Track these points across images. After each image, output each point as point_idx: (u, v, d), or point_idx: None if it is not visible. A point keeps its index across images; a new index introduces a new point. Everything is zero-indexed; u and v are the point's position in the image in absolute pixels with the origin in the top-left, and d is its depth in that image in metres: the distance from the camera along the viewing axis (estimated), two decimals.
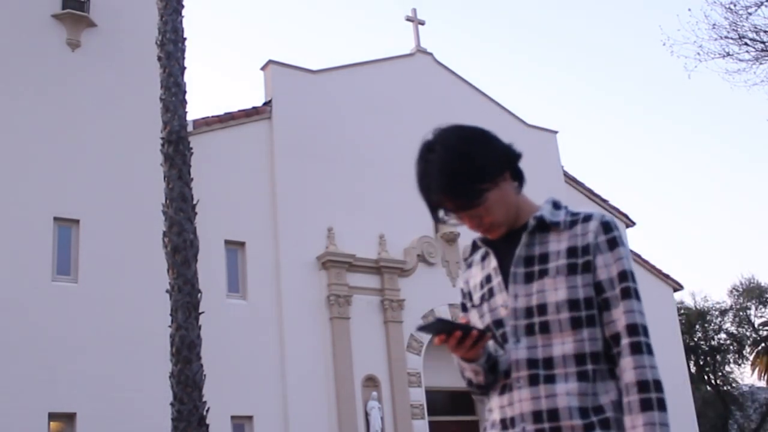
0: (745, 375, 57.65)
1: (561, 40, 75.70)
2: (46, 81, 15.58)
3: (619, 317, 2.07)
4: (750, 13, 14.10)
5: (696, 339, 34.42)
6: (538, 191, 3.95)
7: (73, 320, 14.47)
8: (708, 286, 64.92)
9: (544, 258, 2.13)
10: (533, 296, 2.11)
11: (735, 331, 35.03)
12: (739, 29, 14.17)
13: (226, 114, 17.59)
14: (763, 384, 36.10)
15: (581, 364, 2.06)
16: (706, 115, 72.35)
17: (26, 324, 14.03)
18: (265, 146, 17.90)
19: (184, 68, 11.73)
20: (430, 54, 21.59)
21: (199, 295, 10.72)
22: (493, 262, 2.24)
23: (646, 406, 1.98)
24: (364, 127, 19.40)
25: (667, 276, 24.15)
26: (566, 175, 22.97)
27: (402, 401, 17.45)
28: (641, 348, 2.04)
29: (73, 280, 14.89)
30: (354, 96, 19.58)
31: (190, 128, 13.99)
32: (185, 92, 11.62)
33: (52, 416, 14.04)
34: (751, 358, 35.35)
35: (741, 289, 34.83)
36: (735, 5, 14.08)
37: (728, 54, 14.38)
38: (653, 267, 23.93)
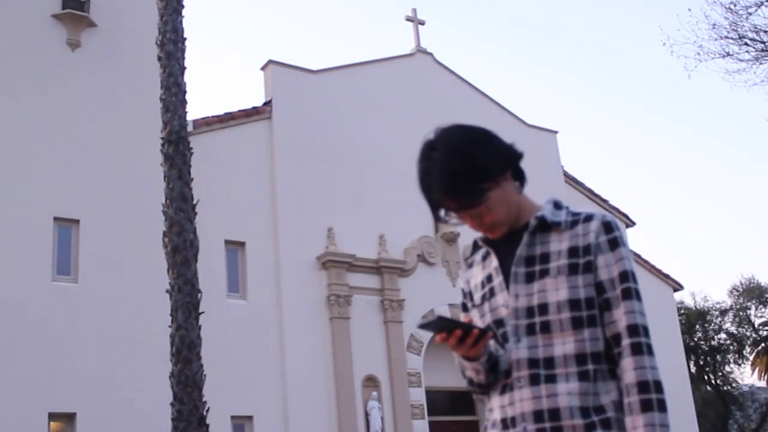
0: (745, 375, 57.72)
1: (561, 40, 75.75)
2: (46, 81, 15.57)
3: (619, 318, 2.07)
4: (750, 13, 14.11)
5: (696, 339, 34.42)
6: (538, 191, 3.96)
7: (73, 320, 14.47)
8: (708, 286, 65.00)
9: (545, 258, 2.14)
10: (534, 296, 2.11)
11: (735, 331, 35.03)
12: (739, 29, 14.18)
13: (226, 114, 17.59)
14: (763, 384, 36.09)
15: (582, 364, 2.06)
16: (706, 115, 72.41)
17: (26, 324, 14.03)
18: (265, 146, 17.90)
19: (184, 68, 11.75)
20: (430, 54, 21.59)
21: (199, 295, 10.73)
22: (494, 261, 2.24)
23: (646, 406, 1.99)
24: (364, 127, 19.40)
25: (667, 276, 24.15)
26: (566, 175, 22.96)
27: (402, 401, 17.45)
28: (642, 349, 2.04)
29: (73, 280, 14.90)
30: (354, 96, 19.57)
31: (190, 128, 13.99)
32: (185, 92, 11.63)
33: (52, 416, 14.04)
34: (751, 358, 35.34)
35: (741, 289, 34.83)
36: (735, 5, 14.09)
37: (728, 54, 14.39)
38: (653, 267, 23.93)
